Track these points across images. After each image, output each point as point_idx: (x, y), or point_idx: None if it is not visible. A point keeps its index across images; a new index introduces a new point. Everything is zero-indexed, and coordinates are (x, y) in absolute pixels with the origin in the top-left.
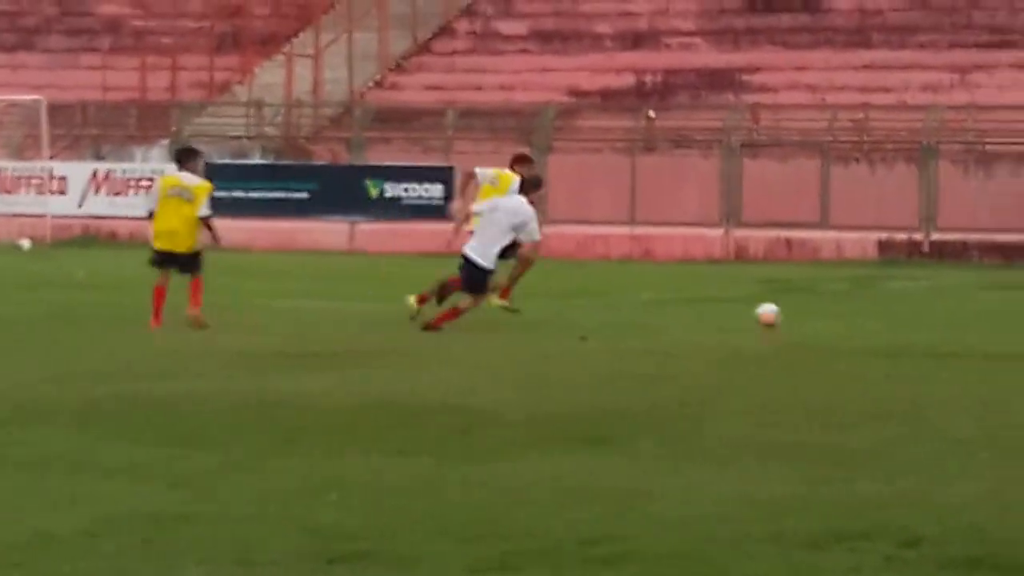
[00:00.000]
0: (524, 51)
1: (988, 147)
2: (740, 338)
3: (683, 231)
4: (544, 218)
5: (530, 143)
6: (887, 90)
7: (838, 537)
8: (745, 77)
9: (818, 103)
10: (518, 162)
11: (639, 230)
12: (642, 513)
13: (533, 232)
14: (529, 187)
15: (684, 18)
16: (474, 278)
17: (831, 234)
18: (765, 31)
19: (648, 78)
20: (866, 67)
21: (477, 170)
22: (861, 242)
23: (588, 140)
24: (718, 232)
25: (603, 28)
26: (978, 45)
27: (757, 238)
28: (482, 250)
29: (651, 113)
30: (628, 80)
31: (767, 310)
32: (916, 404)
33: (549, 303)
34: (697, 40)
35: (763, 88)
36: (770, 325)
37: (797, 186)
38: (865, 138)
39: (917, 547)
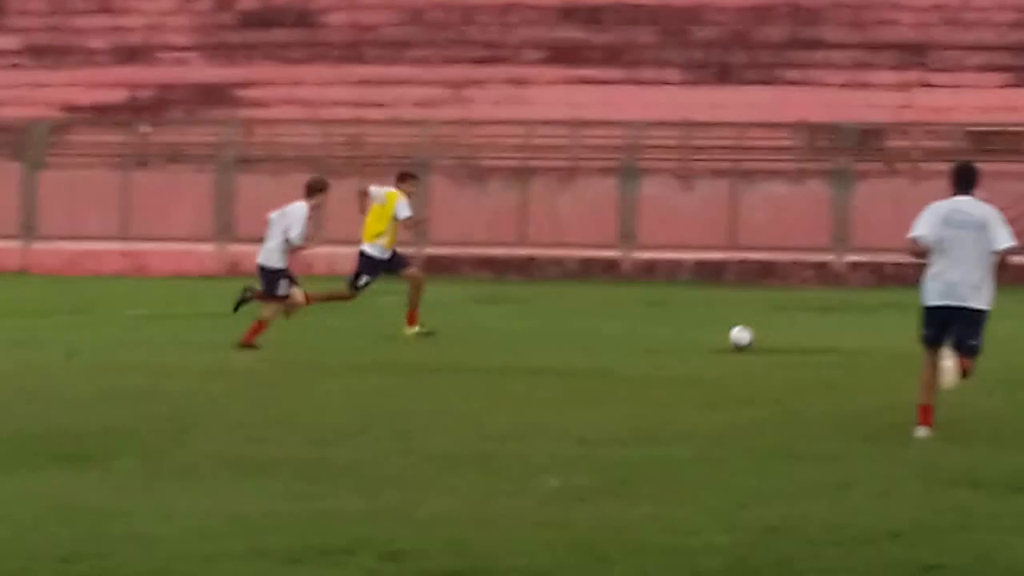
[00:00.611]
0: (16, 66)
1: (481, 162)
2: (229, 354)
3: (177, 247)
4: (36, 233)
5: (22, 159)
6: (381, 105)
7: (318, 552)
8: (240, 92)
9: (312, 118)
10: (403, 179)
11: (132, 246)
12: (121, 530)
13: (295, 238)
14: (312, 190)
15: (178, 33)
16: (268, 281)
17: (325, 248)
18: (260, 46)
19: (142, 93)
20: (360, 82)
21: (371, 189)
22: (354, 256)
23: (81, 155)
24: (212, 247)
25: (96, 43)
26: (471, 61)
27: (251, 253)
28: (267, 254)
29: (145, 128)
30: (121, 95)
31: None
32: (400, 419)
33: (37, 320)
34: (192, 55)
35: (258, 103)
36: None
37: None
38: (359, 153)
39: (398, 561)
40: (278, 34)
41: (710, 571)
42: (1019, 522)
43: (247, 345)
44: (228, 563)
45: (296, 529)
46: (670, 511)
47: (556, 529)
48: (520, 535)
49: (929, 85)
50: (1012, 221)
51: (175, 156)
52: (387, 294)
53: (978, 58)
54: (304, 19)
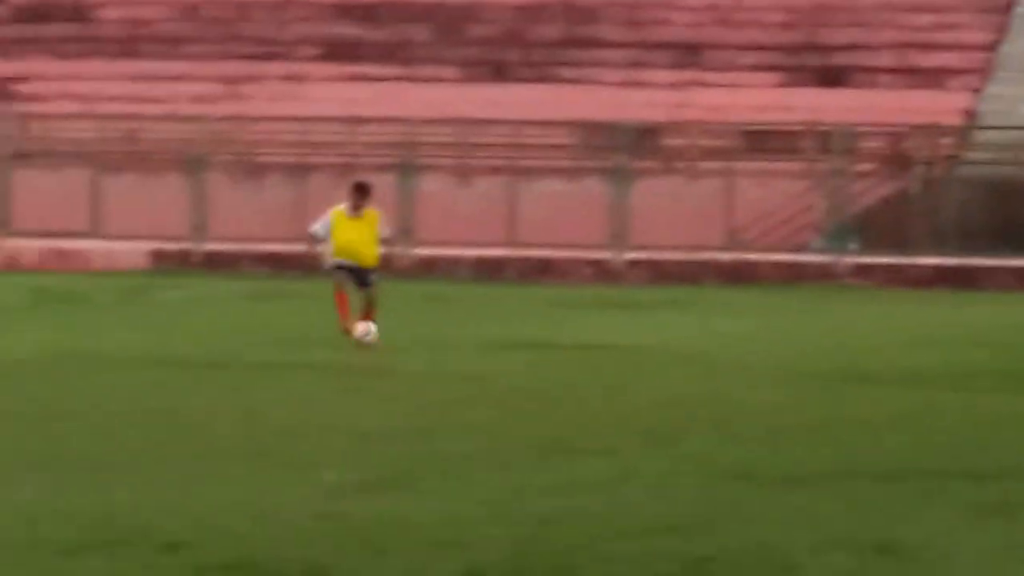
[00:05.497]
0: None
1: (258, 158)
2: (6, 347)
3: None
4: None
5: None
6: (158, 101)
7: (95, 544)
8: (15, 86)
9: (89, 113)
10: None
11: None
12: None
13: None
14: None
15: None
16: None
17: (103, 244)
18: (35, 41)
19: None
20: (137, 78)
21: None
22: (133, 252)
23: None
24: None
25: None
26: (247, 57)
27: (29, 248)
28: None
29: None
30: None
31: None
32: (178, 412)
33: None
34: None
35: (34, 98)
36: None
37: (69, 196)
38: (136, 148)
39: (176, 552)
40: (53, 28)
41: (486, 563)
42: (792, 515)
43: None
44: (4, 554)
45: (73, 521)
46: (447, 505)
47: (333, 522)
48: (297, 528)
49: (704, 84)
50: (786, 221)
51: None
52: (166, 289)
53: (751, 58)
54: (78, 14)
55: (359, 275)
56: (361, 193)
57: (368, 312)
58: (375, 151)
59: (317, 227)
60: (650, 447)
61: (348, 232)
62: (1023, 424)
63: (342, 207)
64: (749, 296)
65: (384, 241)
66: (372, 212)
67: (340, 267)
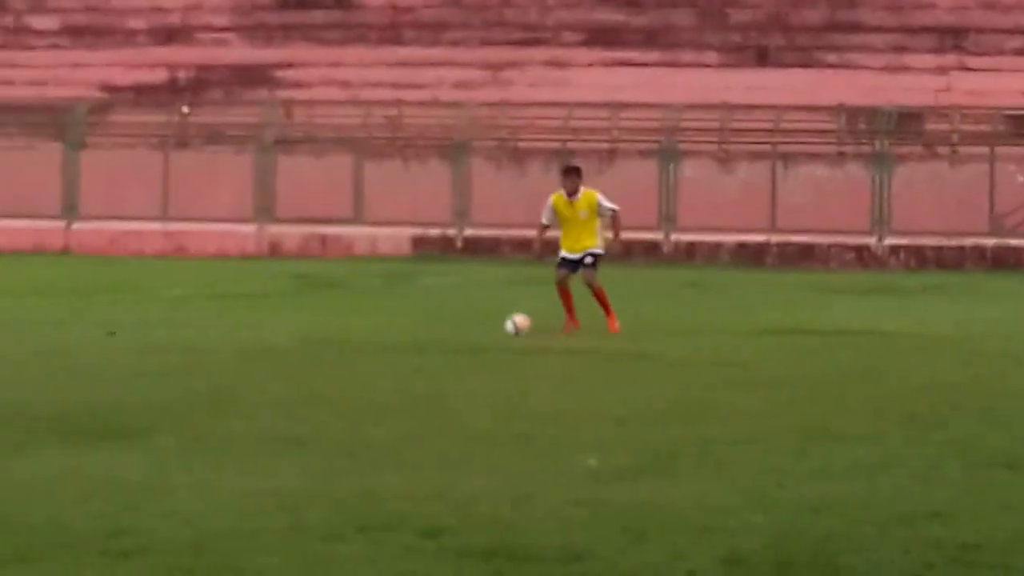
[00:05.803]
0: (56, 46)
1: (520, 144)
2: (268, 333)
3: (217, 227)
4: (78, 213)
5: (64, 139)
6: (420, 87)
7: (357, 528)
8: (279, 73)
9: (352, 99)
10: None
11: (173, 226)
12: (161, 506)
13: None
14: None
15: (217, 14)
16: None
17: (365, 230)
18: (299, 27)
19: (181, 74)
20: (399, 64)
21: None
22: (395, 238)
23: (122, 136)
24: (252, 228)
25: (136, 23)
26: (509, 43)
27: (291, 234)
28: None
29: (185, 109)
30: (161, 75)
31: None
32: (439, 398)
33: (79, 299)
34: (230, 36)
35: (297, 84)
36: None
37: (331, 182)
38: (399, 134)
39: (437, 537)
40: (316, 15)
41: (747, 550)
42: None
43: None
44: (268, 539)
45: (336, 506)
46: (707, 490)
47: (594, 508)
48: (558, 514)
49: (967, 69)
50: None
51: (214, 137)
52: (428, 275)
53: (1016, 42)
54: (342, 1)
55: (576, 265)
56: (570, 177)
57: (601, 302)
58: (637, 136)
59: (544, 219)
60: (913, 433)
61: (566, 215)
62: None
63: (561, 192)
64: (1013, 282)
65: (614, 218)
66: (589, 193)
67: (561, 263)
